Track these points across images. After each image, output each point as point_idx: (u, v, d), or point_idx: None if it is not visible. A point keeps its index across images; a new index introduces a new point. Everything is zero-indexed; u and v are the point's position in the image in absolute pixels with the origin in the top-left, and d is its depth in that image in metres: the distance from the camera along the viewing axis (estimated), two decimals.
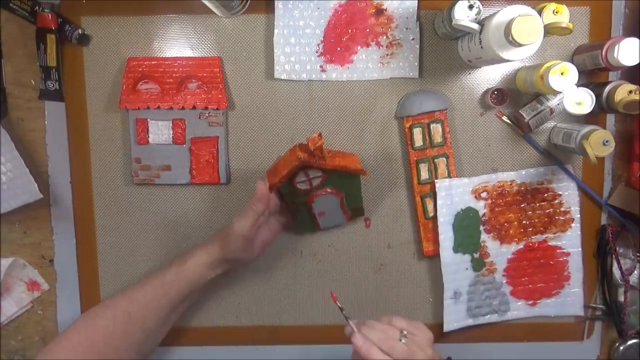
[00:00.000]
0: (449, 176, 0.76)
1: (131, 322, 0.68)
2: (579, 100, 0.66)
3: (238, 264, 0.73)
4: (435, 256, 0.78)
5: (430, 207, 0.77)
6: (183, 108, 0.75)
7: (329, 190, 0.71)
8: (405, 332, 0.60)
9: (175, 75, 0.75)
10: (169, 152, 0.77)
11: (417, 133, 0.75)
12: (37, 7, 0.73)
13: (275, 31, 0.75)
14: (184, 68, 0.75)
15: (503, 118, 0.76)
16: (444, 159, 0.76)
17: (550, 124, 0.76)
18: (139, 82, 0.75)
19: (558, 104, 0.72)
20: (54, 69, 0.74)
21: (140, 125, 0.76)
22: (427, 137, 0.76)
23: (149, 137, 0.76)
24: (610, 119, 0.77)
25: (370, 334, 0.59)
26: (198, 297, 0.75)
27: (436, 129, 0.75)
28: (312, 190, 0.71)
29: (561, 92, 0.66)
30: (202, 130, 0.76)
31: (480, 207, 0.77)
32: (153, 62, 0.75)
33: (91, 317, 0.70)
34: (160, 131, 0.76)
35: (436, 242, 0.77)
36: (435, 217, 0.76)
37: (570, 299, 0.79)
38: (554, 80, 0.65)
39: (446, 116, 0.75)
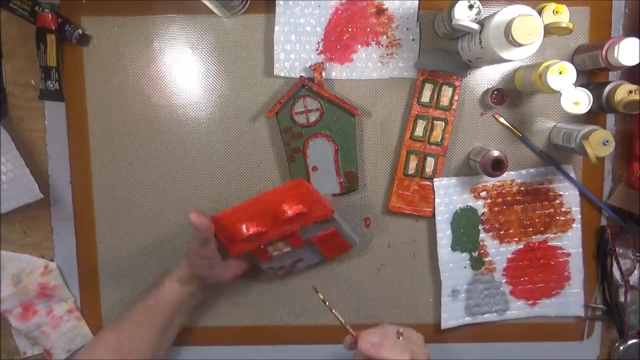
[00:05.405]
0: (442, 142, 0.76)
1: (123, 353, 0.69)
2: (576, 100, 0.66)
3: (210, 283, 0.72)
4: (398, 213, 0.79)
5: (413, 164, 0.76)
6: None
7: (324, 133, 0.74)
8: (401, 331, 0.62)
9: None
10: None
11: (427, 89, 0.75)
12: (37, 7, 0.73)
13: (276, 28, 0.75)
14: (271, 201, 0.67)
15: (500, 120, 0.76)
16: (443, 123, 0.75)
17: (551, 125, 0.76)
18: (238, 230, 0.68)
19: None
20: (54, 69, 0.74)
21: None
22: (434, 96, 0.75)
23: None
24: (610, 119, 0.77)
25: (371, 337, 0.61)
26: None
27: (446, 91, 0.75)
28: (309, 128, 0.73)
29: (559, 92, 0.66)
30: None
31: (479, 206, 0.77)
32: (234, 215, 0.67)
33: (84, 353, 0.72)
34: None
35: (406, 200, 0.77)
36: (413, 176, 0.76)
37: (570, 299, 0.79)
38: (552, 79, 0.65)
39: (460, 83, 0.75)
